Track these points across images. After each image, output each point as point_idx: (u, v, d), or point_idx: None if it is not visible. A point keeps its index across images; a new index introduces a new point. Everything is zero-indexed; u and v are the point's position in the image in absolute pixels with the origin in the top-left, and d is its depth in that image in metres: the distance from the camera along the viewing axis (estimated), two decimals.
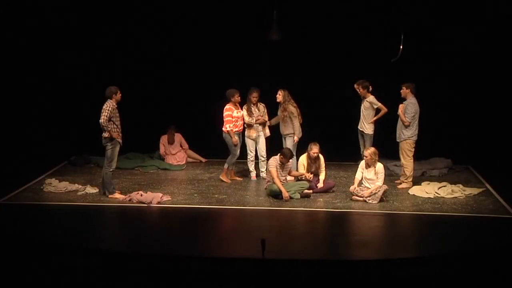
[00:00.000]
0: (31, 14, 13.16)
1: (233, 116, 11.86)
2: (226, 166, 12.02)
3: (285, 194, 10.87)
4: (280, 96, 12.02)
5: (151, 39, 13.84)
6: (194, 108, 13.83)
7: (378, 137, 12.18)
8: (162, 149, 13.37)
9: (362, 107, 12.16)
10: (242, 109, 12.04)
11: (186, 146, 13.47)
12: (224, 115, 11.87)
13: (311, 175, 11.29)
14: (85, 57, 13.74)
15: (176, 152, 13.31)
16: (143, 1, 13.48)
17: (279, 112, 12.11)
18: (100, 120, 10.60)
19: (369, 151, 11.00)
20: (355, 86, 12.06)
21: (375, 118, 12.05)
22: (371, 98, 12.03)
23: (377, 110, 12.04)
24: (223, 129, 11.87)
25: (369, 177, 10.94)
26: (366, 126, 12.06)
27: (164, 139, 13.40)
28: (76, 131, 13.71)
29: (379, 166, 10.98)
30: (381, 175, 10.92)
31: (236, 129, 11.91)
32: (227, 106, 11.90)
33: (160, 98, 14.13)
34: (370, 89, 12.07)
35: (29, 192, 11.28)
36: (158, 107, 14.10)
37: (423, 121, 11.74)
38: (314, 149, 11.25)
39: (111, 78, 12.10)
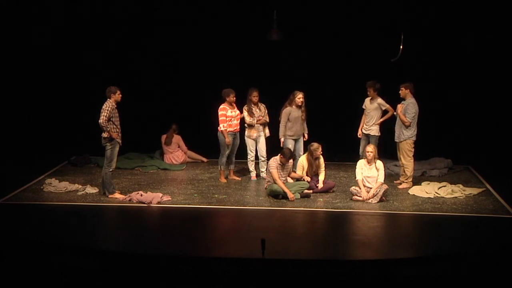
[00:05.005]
0: (31, 16, 13.18)
1: (227, 116, 11.85)
2: (219, 167, 12.08)
3: (290, 195, 10.88)
4: (303, 97, 11.85)
5: (151, 39, 13.84)
6: (195, 108, 13.82)
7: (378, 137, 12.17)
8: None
9: (367, 109, 12.07)
10: (239, 109, 12.02)
11: (184, 148, 13.43)
12: (218, 114, 11.87)
13: (309, 179, 11.31)
14: (86, 57, 13.75)
15: (173, 151, 13.32)
16: (144, 2, 13.48)
17: (296, 114, 11.80)
18: (99, 120, 10.59)
19: (372, 147, 11.04)
20: (367, 87, 11.95)
21: (382, 120, 11.99)
22: (379, 99, 11.98)
23: (384, 112, 12.01)
24: (218, 128, 11.88)
25: (370, 174, 10.94)
26: (373, 127, 12.01)
27: (163, 138, 13.41)
28: (76, 131, 13.71)
29: (379, 162, 11.01)
30: (382, 171, 10.95)
31: (231, 129, 11.91)
32: (222, 106, 11.90)
33: (161, 98, 14.14)
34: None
35: (29, 192, 11.28)
36: (158, 107, 14.10)
37: (423, 121, 11.74)
38: (319, 150, 11.27)
39: (111, 78, 12.10)
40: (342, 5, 13.24)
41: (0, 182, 11.52)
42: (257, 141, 12.19)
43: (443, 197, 11.14)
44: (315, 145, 11.34)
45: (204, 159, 13.62)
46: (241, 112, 12.06)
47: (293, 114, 11.84)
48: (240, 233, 9.62)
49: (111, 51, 13.77)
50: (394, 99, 11.77)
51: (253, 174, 12.29)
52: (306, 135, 12.06)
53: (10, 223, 9.86)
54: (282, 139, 11.89)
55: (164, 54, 13.99)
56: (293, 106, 11.87)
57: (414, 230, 10.02)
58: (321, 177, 11.40)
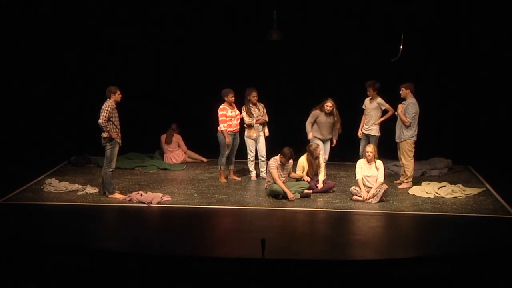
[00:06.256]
0: (31, 15, 13.18)
1: (227, 116, 11.85)
2: (219, 167, 12.08)
3: (290, 195, 10.88)
4: (332, 106, 11.76)
5: (152, 39, 13.84)
6: (195, 108, 13.82)
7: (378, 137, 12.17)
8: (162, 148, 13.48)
9: (366, 109, 12.07)
10: (239, 109, 12.03)
11: (184, 148, 13.47)
12: (218, 114, 11.87)
13: (309, 179, 11.32)
14: (86, 56, 13.75)
15: (173, 150, 13.35)
16: (144, 1, 13.47)
17: (324, 119, 11.78)
18: (99, 120, 10.57)
19: (372, 147, 11.06)
20: (367, 86, 11.95)
21: (382, 119, 11.99)
22: (379, 99, 11.99)
23: (384, 111, 12.01)
24: (218, 128, 11.88)
25: (370, 174, 10.94)
26: (373, 127, 12.01)
27: (163, 138, 13.43)
28: (76, 131, 13.71)
29: (379, 161, 11.02)
30: (382, 170, 10.96)
31: (231, 129, 11.90)
32: (222, 106, 11.90)
33: (161, 98, 14.13)
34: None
35: (29, 192, 11.28)
36: (158, 107, 14.10)
37: (423, 121, 11.74)
38: (318, 149, 11.29)
39: (111, 78, 12.10)
40: (342, 5, 13.23)
41: (0, 182, 11.52)
42: (256, 141, 12.19)
43: (443, 197, 11.14)
44: (314, 144, 11.37)
45: (204, 159, 13.62)
46: (241, 112, 12.07)
47: (320, 119, 11.86)
48: (240, 233, 9.62)
49: (111, 51, 13.76)
50: (394, 99, 11.77)
51: (253, 174, 12.29)
52: (334, 141, 11.99)
53: (10, 223, 9.86)
54: (310, 135, 11.87)
55: (164, 54, 13.98)
56: (323, 112, 11.85)
57: (414, 230, 10.03)
58: (321, 177, 11.40)
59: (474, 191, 11.44)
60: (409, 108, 11.46)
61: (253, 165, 12.26)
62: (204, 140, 13.21)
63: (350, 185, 11.35)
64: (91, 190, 11.33)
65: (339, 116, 11.94)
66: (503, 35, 13.19)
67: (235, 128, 11.99)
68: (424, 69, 13.48)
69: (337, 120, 11.93)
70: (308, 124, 11.94)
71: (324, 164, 11.57)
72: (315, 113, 11.91)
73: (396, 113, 11.68)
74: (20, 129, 13.47)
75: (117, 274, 8.04)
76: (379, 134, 12.02)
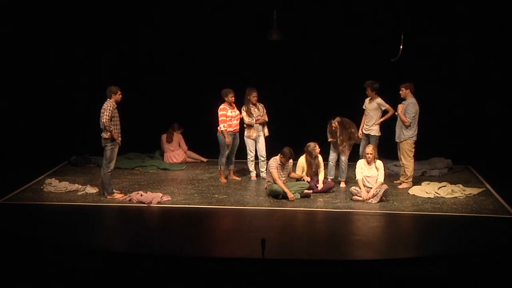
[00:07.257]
0: (30, 16, 13.19)
1: (227, 116, 11.85)
2: (219, 167, 12.09)
3: (290, 195, 10.89)
4: (336, 127, 11.65)
5: (151, 38, 13.84)
6: (195, 108, 13.81)
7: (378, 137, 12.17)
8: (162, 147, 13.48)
9: (366, 109, 12.05)
10: (239, 109, 12.03)
11: (185, 147, 13.49)
12: (218, 114, 11.87)
13: (309, 179, 11.32)
14: (86, 56, 13.75)
15: (174, 149, 13.36)
16: (144, 1, 13.48)
17: (332, 133, 11.79)
18: (102, 120, 10.57)
19: (371, 148, 11.06)
20: (366, 86, 11.94)
21: (382, 119, 11.95)
22: (379, 99, 11.96)
23: (384, 112, 12.00)
24: (218, 128, 11.88)
25: (370, 174, 10.95)
26: (373, 127, 11.99)
27: (163, 137, 13.44)
28: (76, 131, 13.71)
29: (379, 162, 11.02)
30: (382, 170, 10.97)
31: (231, 129, 11.90)
32: (222, 106, 11.91)
33: (161, 98, 14.12)
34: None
35: (29, 192, 11.28)
36: (158, 107, 14.09)
37: (423, 121, 11.74)
38: (316, 148, 11.29)
39: (111, 78, 12.10)
40: (343, 5, 13.23)
41: (0, 182, 11.52)
42: (256, 141, 12.19)
43: (443, 197, 11.14)
44: (311, 145, 11.34)
45: (204, 159, 13.63)
46: (240, 112, 12.07)
47: (331, 135, 11.87)
48: (240, 233, 9.63)
49: (112, 51, 13.76)
50: (394, 99, 11.76)
51: (253, 174, 12.30)
52: (343, 158, 11.85)
53: (10, 223, 9.87)
54: (330, 139, 11.86)
55: (164, 54, 13.97)
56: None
57: (414, 230, 10.03)
58: (321, 176, 11.41)
59: (474, 191, 11.45)
60: (409, 108, 11.46)
61: (253, 165, 12.27)
62: (204, 140, 13.21)
63: (350, 185, 11.35)
64: (91, 190, 11.33)
65: (356, 138, 11.81)
66: (503, 34, 13.18)
67: (235, 128, 12.00)
68: (424, 69, 13.46)
69: (342, 140, 11.77)
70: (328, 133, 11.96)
71: (346, 163, 11.70)
72: (329, 128, 11.85)
73: (396, 113, 11.68)
74: (20, 129, 13.46)
75: (117, 274, 8.04)
76: (379, 134, 12.01)
